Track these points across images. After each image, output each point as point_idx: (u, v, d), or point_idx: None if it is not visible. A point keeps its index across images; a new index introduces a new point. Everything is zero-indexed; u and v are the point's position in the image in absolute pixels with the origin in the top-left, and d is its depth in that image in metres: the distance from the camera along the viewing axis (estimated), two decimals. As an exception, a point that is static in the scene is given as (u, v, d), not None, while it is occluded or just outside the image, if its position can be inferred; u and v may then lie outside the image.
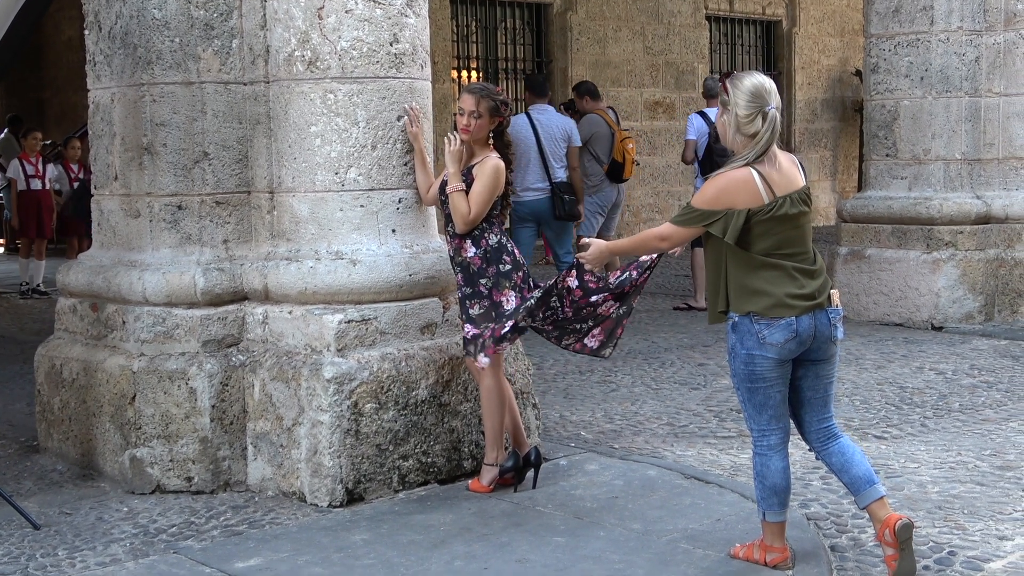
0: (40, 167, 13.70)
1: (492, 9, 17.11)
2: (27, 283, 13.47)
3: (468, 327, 5.46)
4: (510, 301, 5.42)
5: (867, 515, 4.61)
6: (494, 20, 17.20)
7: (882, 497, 4.46)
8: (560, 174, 9.68)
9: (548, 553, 4.78)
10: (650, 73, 18.67)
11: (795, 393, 4.50)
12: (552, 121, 9.82)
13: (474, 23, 16.99)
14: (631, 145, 12.08)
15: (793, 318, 4.31)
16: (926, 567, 4.64)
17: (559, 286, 5.31)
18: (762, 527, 4.58)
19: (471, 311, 5.45)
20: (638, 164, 14.94)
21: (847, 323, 9.62)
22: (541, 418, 6.31)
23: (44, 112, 19.44)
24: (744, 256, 4.33)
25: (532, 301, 5.29)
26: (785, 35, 20.47)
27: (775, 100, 4.35)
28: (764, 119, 4.30)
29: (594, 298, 5.31)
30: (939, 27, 9.90)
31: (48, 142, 15.35)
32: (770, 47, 20.53)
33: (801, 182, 4.40)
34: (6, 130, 18.39)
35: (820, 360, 4.44)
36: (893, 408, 7.27)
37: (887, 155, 10.35)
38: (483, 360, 5.34)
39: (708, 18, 19.39)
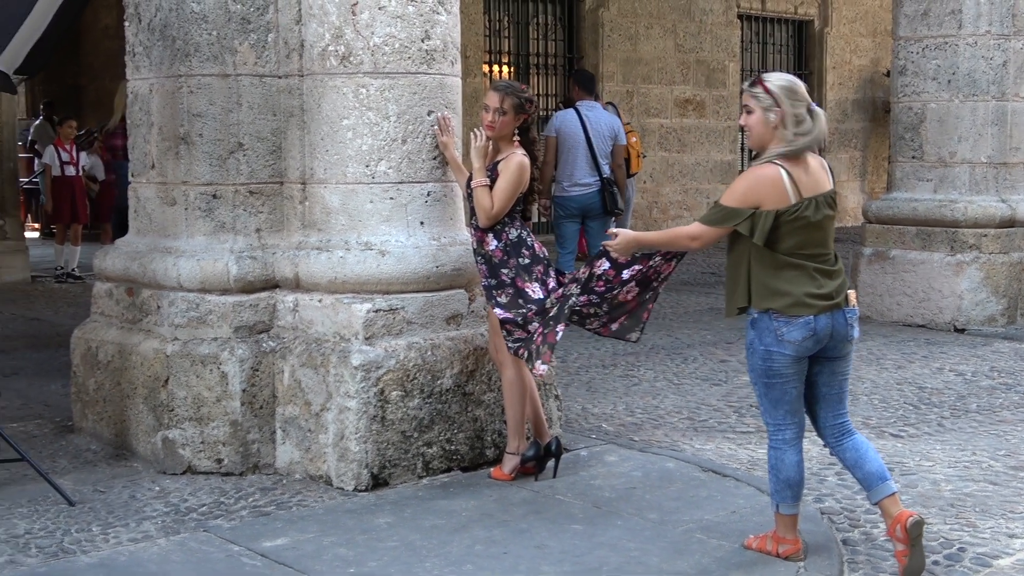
0: (74, 154, 13.97)
1: (524, 5, 17.22)
2: (62, 267, 13.71)
3: (499, 311, 5.55)
4: (536, 292, 5.52)
5: (879, 511, 4.71)
6: (526, 15, 17.30)
7: (894, 493, 4.56)
8: (607, 170, 9.77)
9: (566, 540, 4.90)
10: (681, 71, 18.74)
11: (811, 389, 4.60)
12: (600, 118, 9.92)
13: (506, 18, 17.10)
14: (635, 139, 12.21)
15: (811, 317, 4.41)
16: (935, 562, 4.73)
17: (590, 274, 5.34)
18: (775, 519, 4.69)
19: (499, 299, 5.55)
20: (644, 156, 15.06)
21: (870, 323, 9.80)
22: (563, 410, 6.44)
23: (80, 99, 19.68)
24: (768, 255, 4.43)
25: (574, 298, 5.32)
26: (817, 35, 20.50)
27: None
28: (812, 115, 4.43)
29: (625, 274, 5.27)
30: (967, 31, 9.96)
31: (83, 131, 15.58)
32: (802, 47, 20.56)
33: (828, 185, 4.50)
34: (41, 116, 18.66)
35: (836, 358, 4.54)
36: (911, 407, 7.36)
37: (913, 157, 10.41)
38: (541, 368, 5.33)
39: (740, 17, 19.43)
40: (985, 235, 10.05)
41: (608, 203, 9.72)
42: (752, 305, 4.48)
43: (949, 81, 10.09)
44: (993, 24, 9.93)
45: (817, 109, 4.46)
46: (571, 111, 9.87)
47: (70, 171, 13.86)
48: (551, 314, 5.37)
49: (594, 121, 9.78)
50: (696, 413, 7.25)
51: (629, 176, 11.35)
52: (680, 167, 18.99)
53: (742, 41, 19.58)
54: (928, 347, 9.27)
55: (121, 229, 9.85)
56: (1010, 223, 10.14)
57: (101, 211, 15.00)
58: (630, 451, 6.25)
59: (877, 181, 21.36)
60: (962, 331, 9.94)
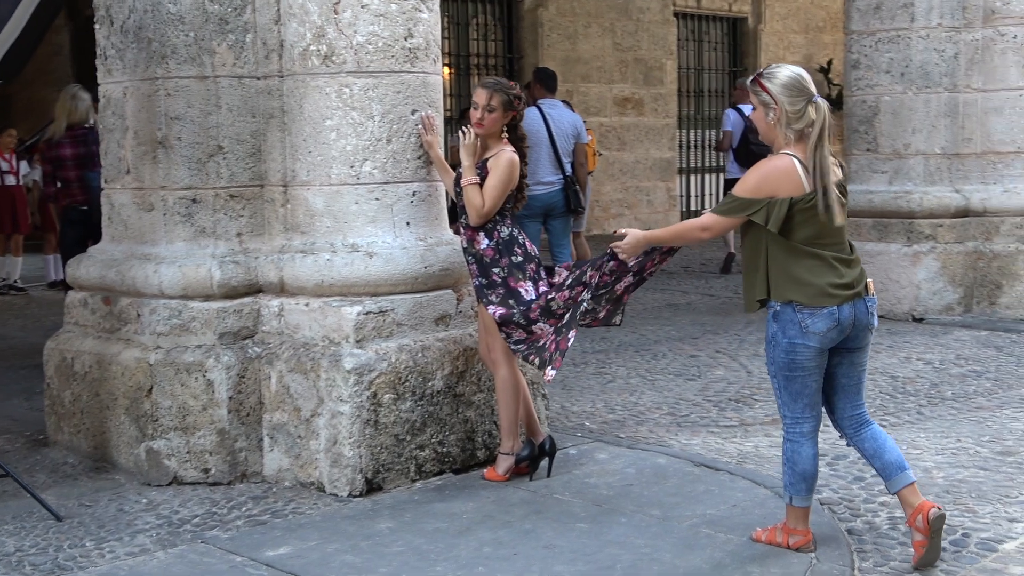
0: (13, 163, 13.67)
1: (463, 5, 17.18)
2: (3, 279, 13.41)
3: (494, 309, 5.46)
4: (528, 292, 5.47)
5: (882, 500, 4.72)
6: (465, 16, 17.27)
7: (913, 483, 4.56)
8: (569, 169, 9.75)
9: (573, 539, 4.86)
10: (619, 69, 18.81)
11: (829, 380, 4.59)
12: (563, 116, 9.89)
13: (445, 19, 16.97)
14: (591, 137, 12.24)
15: (835, 307, 4.40)
16: (943, 548, 4.74)
17: (596, 277, 5.28)
18: (787, 511, 4.67)
19: (490, 297, 5.50)
20: (600, 155, 15.09)
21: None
22: (550, 408, 6.39)
23: (10, 107, 19.24)
24: (785, 244, 4.42)
25: (585, 303, 5.27)
26: (751, 32, 20.70)
27: (814, 88, 4.47)
28: (816, 110, 4.41)
29: (632, 263, 5.20)
30: (919, 24, 10.06)
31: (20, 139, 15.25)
32: (736, 44, 20.74)
33: (839, 174, 4.50)
34: (-28, 126, 18.25)
35: (856, 348, 4.54)
36: (888, 397, 7.41)
37: (868, 150, 10.50)
38: (551, 373, 5.27)
39: (676, 15, 19.55)
40: (940, 225, 10.17)
41: (571, 201, 9.70)
42: (773, 297, 4.45)
43: (902, 74, 10.18)
44: (944, 17, 10.04)
45: (820, 101, 4.45)
46: (533, 109, 9.81)
47: (10, 180, 13.58)
48: (563, 322, 5.33)
49: (557, 119, 9.75)
50: (676, 408, 7.24)
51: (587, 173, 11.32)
52: (620, 165, 19.05)
53: (679, 39, 19.70)
54: (891, 337, 9.35)
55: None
56: (964, 213, 10.25)
57: (44, 221, 14.68)
58: (619, 448, 6.23)
59: (813, 175, 21.56)
60: (920, 320, 10.04)
